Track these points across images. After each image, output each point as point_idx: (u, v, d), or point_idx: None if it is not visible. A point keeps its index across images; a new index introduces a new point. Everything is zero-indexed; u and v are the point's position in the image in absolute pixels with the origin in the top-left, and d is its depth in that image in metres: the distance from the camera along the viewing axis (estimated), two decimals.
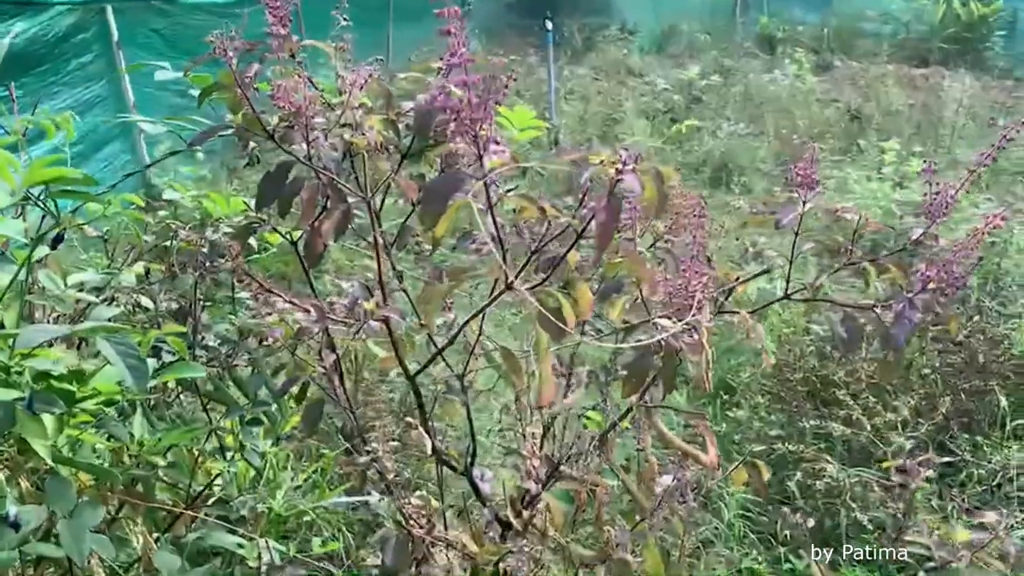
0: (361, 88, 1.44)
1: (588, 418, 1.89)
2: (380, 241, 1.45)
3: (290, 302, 1.40)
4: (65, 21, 6.22)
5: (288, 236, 1.61)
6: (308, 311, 1.33)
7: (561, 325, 1.09)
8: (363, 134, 1.47)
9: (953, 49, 11.72)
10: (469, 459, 1.68)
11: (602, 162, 1.03)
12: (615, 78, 10.31)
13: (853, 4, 13.08)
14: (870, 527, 3.14)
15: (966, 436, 3.68)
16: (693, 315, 1.42)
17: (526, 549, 1.50)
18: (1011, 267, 5.14)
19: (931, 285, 1.42)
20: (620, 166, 0.99)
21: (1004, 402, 3.73)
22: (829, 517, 3.28)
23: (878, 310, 1.45)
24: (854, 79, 10.51)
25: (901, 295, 1.45)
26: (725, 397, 4.18)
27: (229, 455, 2.18)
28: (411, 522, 1.74)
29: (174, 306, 2.24)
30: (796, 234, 1.58)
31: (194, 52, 2.02)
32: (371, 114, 1.51)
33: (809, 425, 3.58)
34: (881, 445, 3.42)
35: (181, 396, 2.25)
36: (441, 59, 1.70)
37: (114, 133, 6.75)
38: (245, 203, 1.60)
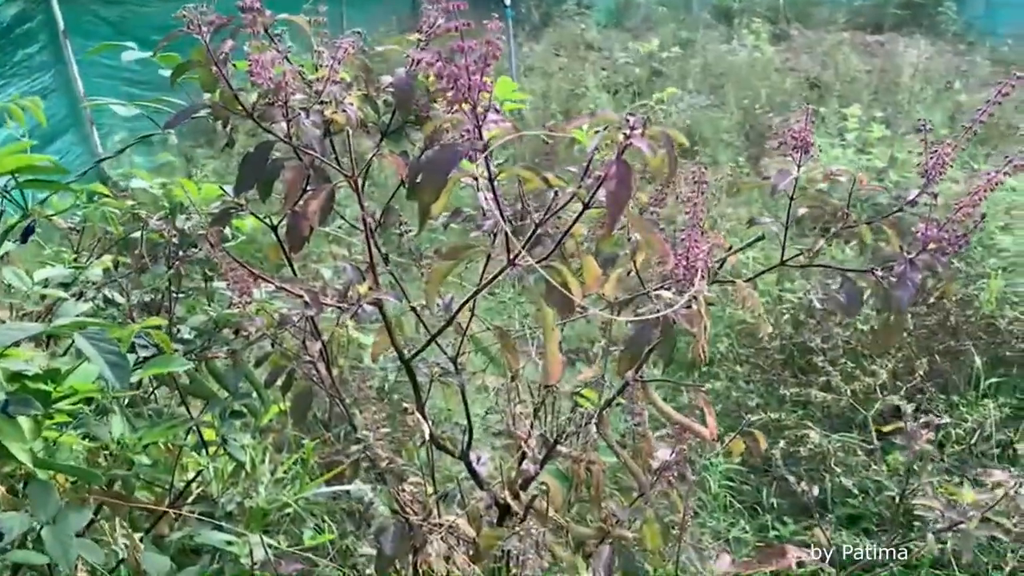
0: (340, 62, 1.38)
1: (582, 396, 1.86)
2: (369, 222, 1.39)
3: (281, 287, 1.33)
4: (7, 11, 6.01)
5: (268, 220, 1.54)
6: (301, 296, 1.27)
7: (572, 298, 1.05)
8: (343, 111, 1.41)
9: (907, 15, 11.83)
10: (465, 443, 1.64)
11: (606, 128, 0.99)
12: (575, 53, 10.24)
13: None
14: (855, 491, 3.16)
15: (942, 397, 3.72)
16: (694, 285, 1.38)
17: (532, 532, 1.47)
18: (974, 228, 5.20)
19: (931, 245, 1.40)
20: (628, 130, 0.94)
21: (978, 362, 3.78)
22: (813, 483, 3.29)
23: (879, 273, 1.43)
24: (811, 48, 10.56)
25: (900, 256, 1.43)
26: (704, 368, 4.18)
27: (211, 450, 2.12)
28: (407, 509, 1.70)
29: (146, 299, 2.17)
30: (791, 199, 1.55)
31: (144, 41, 1.93)
32: (350, 90, 1.45)
33: (789, 393, 3.59)
34: (861, 410, 3.44)
35: (157, 392, 2.17)
36: (419, 30, 1.64)
37: (65, 125, 6.56)
38: (222, 189, 1.53)
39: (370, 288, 1.30)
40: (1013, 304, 4.06)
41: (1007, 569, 2.46)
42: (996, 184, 1.35)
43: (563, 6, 12.50)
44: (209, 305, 2.40)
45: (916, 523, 1.95)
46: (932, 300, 4.06)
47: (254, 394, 2.04)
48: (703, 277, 1.33)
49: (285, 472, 3.00)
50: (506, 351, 1.53)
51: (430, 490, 1.80)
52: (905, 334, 4.01)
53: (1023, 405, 3.71)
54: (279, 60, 1.28)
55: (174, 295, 2.10)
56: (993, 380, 3.80)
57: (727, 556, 1.66)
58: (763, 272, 1.65)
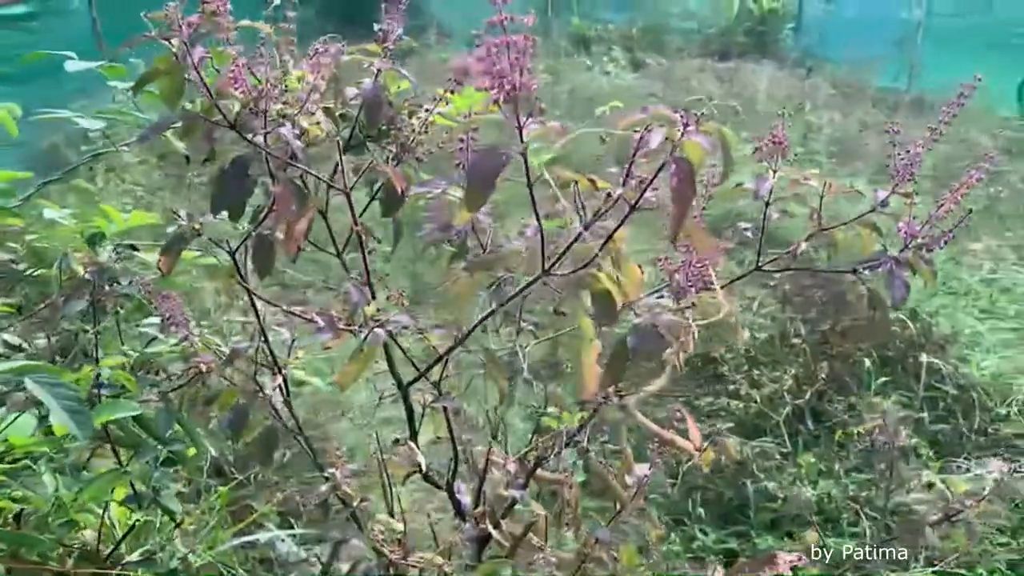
0: (319, 73, 1.29)
1: (547, 416, 1.80)
2: (363, 239, 1.30)
3: (289, 312, 1.22)
4: None
5: (226, 245, 1.41)
6: (313, 321, 1.16)
7: (615, 307, 1.00)
8: (318, 123, 1.32)
9: (750, 43, 12.52)
10: (451, 473, 1.55)
11: (647, 127, 0.95)
12: (442, 80, 10.23)
13: (657, 3, 13.69)
14: (779, 495, 3.24)
15: (840, 399, 3.89)
16: (695, 292, 1.37)
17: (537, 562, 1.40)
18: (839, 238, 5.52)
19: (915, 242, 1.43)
20: (683, 126, 0.91)
21: (868, 363, 3.98)
22: (732, 489, 3.36)
23: (867, 273, 1.46)
24: (666, 75, 10.99)
25: (883, 255, 1.46)
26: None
27: (142, 502, 1.92)
28: (386, 548, 1.60)
29: (54, 342, 1.97)
30: (767, 204, 1.57)
31: None
32: (320, 102, 1.36)
33: (703, 403, 3.67)
34: (772, 415, 3.55)
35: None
36: (378, 40, 1.57)
37: None
38: (173, 212, 1.39)
39: (377, 310, 1.21)
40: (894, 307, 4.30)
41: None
42: (969, 186, 1.40)
43: (423, 35, 12.51)
44: (123, 345, 2.21)
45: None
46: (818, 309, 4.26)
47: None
48: (709, 283, 1.31)
49: (196, 521, 2.79)
50: (494, 374, 1.46)
51: (400, 527, 1.70)
52: (799, 340, 4.20)
53: (910, 402, 3.92)
54: (262, 67, 1.18)
55: (92, 335, 1.91)
56: (882, 379, 4.00)
57: (720, 569, 1.64)
58: (739, 278, 1.65)
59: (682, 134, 0.91)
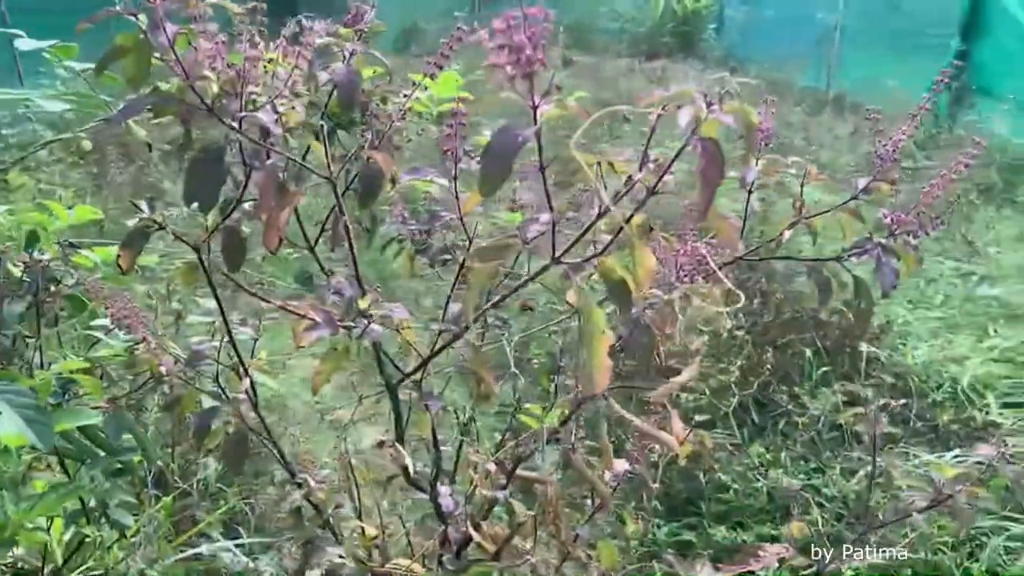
0: (298, 56, 1.22)
1: (527, 414, 1.75)
2: (350, 230, 1.22)
3: (284, 308, 1.13)
4: None
5: (184, 239, 1.32)
6: (312, 319, 1.08)
7: (630, 295, 0.96)
8: (293, 107, 1.25)
9: (675, 42, 12.71)
10: (433, 476, 1.49)
11: (664, 107, 0.91)
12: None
13: (584, 1, 13.77)
14: (731, 486, 3.26)
15: (784, 389, 3.94)
16: (685, 283, 1.34)
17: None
18: (775, 232, 5.61)
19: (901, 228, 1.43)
20: (707, 105, 0.87)
21: (808, 353, 4.05)
22: (684, 482, 3.37)
23: (854, 260, 1.45)
24: (595, 73, 11.06)
25: (869, 243, 1.45)
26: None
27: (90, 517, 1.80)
28: (361, 552, 1.53)
29: None
30: (749, 192, 1.55)
31: None
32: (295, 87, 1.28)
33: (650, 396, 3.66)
34: (721, 405, 3.57)
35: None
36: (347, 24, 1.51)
37: None
38: (133, 203, 1.29)
39: (371, 304, 1.13)
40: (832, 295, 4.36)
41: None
42: (954, 175, 1.40)
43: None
44: (61, 347, 2.08)
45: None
46: (757, 302, 4.32)
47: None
48: (709, 274, 1.28)
49: (136, 532, 2.66)
50: (477, 368, 1.41)
51: (375, 532, 1.63)
52: (743, 332, 4.24)
53: (848, 390, 4.00)
54: (246, 45, 1.10)
55: (31, 340, 1.79)
56: (822, 370, 4.07)
57: (708, 565, 1.62)
58: (723, 266, 1.63)
59: (708, 113, 0.87)
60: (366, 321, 1.08)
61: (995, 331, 4.38)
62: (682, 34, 12.80)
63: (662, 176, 0.91)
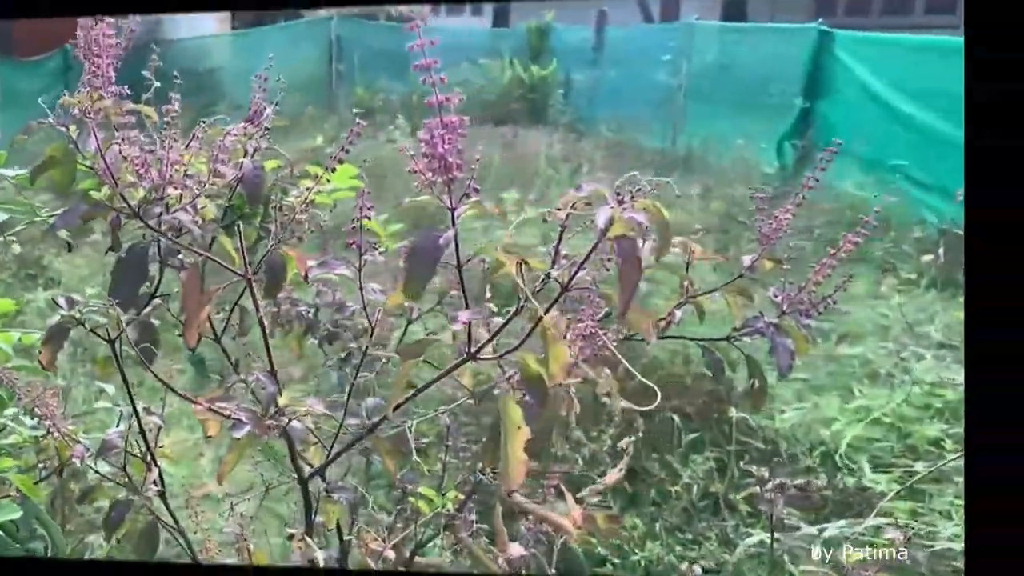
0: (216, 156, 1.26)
1: (421, 497, 1.77)
2: (265, 324, 1.24)
3: (211, 409, 1.12)
4: None
5: (106, 335, 1.32)
6: (229, 417, 1.08)
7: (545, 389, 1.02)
8: (205, 206, 1.28)
9: (524, 109, 13.13)
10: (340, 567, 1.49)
11: (584, 203, 0.99)
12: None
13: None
14: (612, 559, 3.28)
15: (655, 456, 4.00)
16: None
17: None
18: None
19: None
20: (618, 204, 0.96)
21: (677, 420, 4.13)
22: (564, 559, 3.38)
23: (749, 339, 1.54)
24: None
25: (758, 321, 1.53)
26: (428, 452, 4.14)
27: None
28: None
29: None
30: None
31: None
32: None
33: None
34: (594, 477, 3.64)
35: None
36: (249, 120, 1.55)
37: None
38: (53, 300, 1.30)
39: (291, 400, 1.15)
40: (693, 362, 4.42)
41: None
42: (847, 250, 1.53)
43: (213, 109, 12.05)
44: None
45: None
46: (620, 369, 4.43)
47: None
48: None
49: None
50: (385, 456, 1.44)
51: None
52: (609, 399, 4.32)
53: (719, 456, 4.07)
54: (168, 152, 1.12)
55: None
56: (690, 436, 4.15)
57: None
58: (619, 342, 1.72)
59: (620, 212, 0.95)
60: (287, 419, 1.10)
61: (860, 391, 4.44)
62: (530, 100, 13.24)
63: (575, 275, 1.00)
